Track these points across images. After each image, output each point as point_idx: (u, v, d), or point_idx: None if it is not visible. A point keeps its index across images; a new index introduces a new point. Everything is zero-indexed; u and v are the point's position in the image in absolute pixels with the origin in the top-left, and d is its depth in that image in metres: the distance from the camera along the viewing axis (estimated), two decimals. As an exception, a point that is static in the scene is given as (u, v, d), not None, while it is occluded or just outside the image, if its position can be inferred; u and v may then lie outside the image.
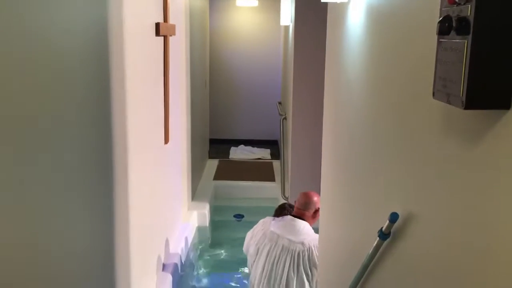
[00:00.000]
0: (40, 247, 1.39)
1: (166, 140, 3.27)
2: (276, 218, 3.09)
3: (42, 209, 1.40)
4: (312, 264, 2.89)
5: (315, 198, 3.08)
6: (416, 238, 1.09)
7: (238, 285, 3.83)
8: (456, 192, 0.85)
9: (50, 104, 1.44)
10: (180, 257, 3.55)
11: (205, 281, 3.71)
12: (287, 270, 2.89)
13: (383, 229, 1.24)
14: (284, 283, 2.91)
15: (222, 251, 4.20)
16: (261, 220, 3.19)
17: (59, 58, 1.51)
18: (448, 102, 0.75)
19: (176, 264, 3.36)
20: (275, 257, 2.94)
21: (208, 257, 4.15)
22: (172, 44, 3.36)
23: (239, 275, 3.87)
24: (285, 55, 6.10)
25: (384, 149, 1.34)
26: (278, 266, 2.93)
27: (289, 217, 3.03)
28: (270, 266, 2.96)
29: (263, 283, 3.02)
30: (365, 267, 1.43)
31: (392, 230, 1.23)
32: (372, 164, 1.47)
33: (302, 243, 2.89)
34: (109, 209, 2.04)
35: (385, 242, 1.28)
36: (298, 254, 2.88)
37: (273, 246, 2.96)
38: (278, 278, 2.92)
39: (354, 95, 1.77)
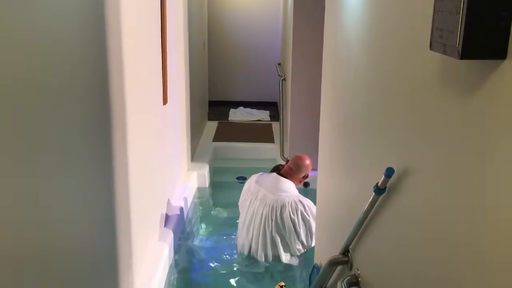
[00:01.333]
0: (40, 207, 1.41)
1: (165, 101, 3.26)
2: (263, 174, 3.19)
3: (41, 170, 1.41)
4: (284, 220, 2.95)
5: (307, 162, 3.15)
6: (411, 193, 1.11)
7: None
8: (452, 146, 0.86)
9: (46, 68, 1.43)
10: (181, 215, 3.60)
11: (204, 238, 3.78)
12: (263, 222, 2.99)
13: (379, 184, 1.25)
14: (260, 234, 3.01)
15: (222, 211, 4.26)
16: (251, 176, 3.29)
17: (54, 18, 1.48)
18: (445, 52, 0.74)
19: (177, 222, 3.41)
20: (254, 209, 3.05)
21: (208, 217, 4.21)
22: (168, 2, 3.31)
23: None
24: (285, 15, 6.00)
25: (381, 104, 1.34)
26: (256, 217, 3.03)
27: (274, 174, 3.13)
28: (249, 217, 3.08)
29: (242, 233, 3.13)
30: (361, 222, 1.45)
31: (387, 185, 1.24)
32: (369, 120, 1.47)
33: (277, 199, 2.97)
34: (109, 169, 2.05)
35: (381, 197, 1.30)
36: (272, 208, 2.97)
37: (253, 199, 3.08)
38: (256, 229, 3.03)
39: (352, 52, 1.75)
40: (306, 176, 3.22)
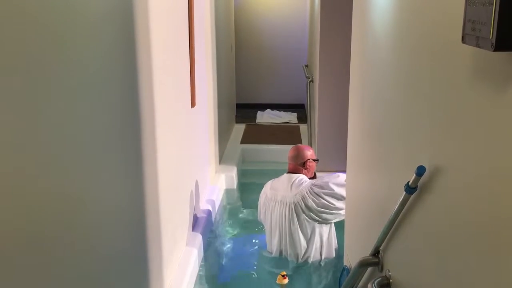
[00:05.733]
0: (74, 207, 1.43)
1: (193, 104, 3.29)
2: (275, 179, 3.20)
3: (75, 173, 1.43)
4: (311, 208, 2.97)
5: (305, 151, 3.18)
6: (444, 192, 1.08)
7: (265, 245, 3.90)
8: (487, 142, 0.83)
9: (76, 72, 1.46)
10: (209, 217, 3.62)
11: (232, 240, 3.78)
12: (288, 221, 3.00)
13: (410, 182, 1.23)
14: (287, 235, 3.03)
15: (250, 213, 4.25)
16: (264, 186, 3.31)
17: (82, 24, 1.51)
18: (477, 45, 0.73)
19: (205, 224, 3.43)
20: (277, 213, 3.07)
21: (236, 218, 4.22)
22: (196, 5, 3.33)
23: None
24: (312, 16, 5.98)
25: (411, 102, 1.32)
26: (281, 219, 3.06)
27: (285, 174, 3.14)
28: (274, 221, 3.10)
29: (271, 239, 3.13)
30: (391, 223, 1.43)
31: (419, 184, 1.22)
32: (400, 118, 1.45)
33: (296, 194, 3.01)
34: (139, 171, 2.08)
35: (412, 197, 1.28)
36: (295, 204, 2.99)
37: (273, 204, 3.09)
38: (283, 230, 3.04)
39: (381, 50, 1.73)
40: (306, 163, 3.16)
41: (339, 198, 2.96)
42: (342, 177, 2.94)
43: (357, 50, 2.24)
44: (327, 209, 2.97)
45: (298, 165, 3.16)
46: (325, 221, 3.02)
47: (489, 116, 0.81)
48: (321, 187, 2.98)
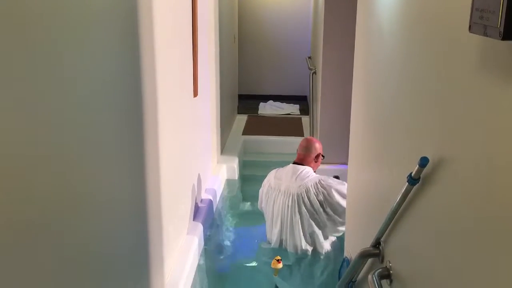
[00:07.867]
0: (75, 197, 1.43)
1: (195, 94, 3.28)
2: (279, 169, 3.20)
3: (77, 164, 1.43)
4: (313, 203, 2.97)
5: (317, 144, 3.18)
6: (446, 183, 1.08)
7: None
8: (492, 133, 0.83)
9: (78, 63, 1.45)
10: (210, 207, 3.63)
11: (233, 231, 3.80)
12: (290, 212, 3.01)
13: (412, 174, 1.23)
14: (288, 225, 3.04)
15: (251, 204, 4.26)
16: (267, 175, 3.30)
17: (85, 15, 1.50)
18: (485, 34, 0.72)
19: (206, 214, 3.44)
20: (279, 202, 3.07)
21: (237, 209, 4.23)
22: (200, -5, 3.32)
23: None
24: (315, 7, 5.96)
25: (415, 93, 1.32)
26: (284, 210, 3.07)
27: (290, 164, 3.14)
28: (276, 211, 3.11)
29: (271, 229, 3.14)
30: (393, 214, 1.43)
31: (421, 175, 1.22)
32: (404, 108, 1.44)
33: (300, 186, 3.00)
34: (141, 161, 2.08)
35: (414, 188, 1.28)
36: (298, 196, 3.00)
37: (277, 194, 3.09)
38: (285, 221, 3.06)
39: (386, 41, 1.72)
40: (319, 156, 3.21)
41: (338, 209, 2.98)
42: (346, 187, 2.94)
43: (362, 41, 2.23)
44: (320, 209, 2.99)
45: (310, 157, 3.17)
46: (323, 225, 3.03)
47: (496, 106, 0.80)
48: (324, 188, 2.99)
